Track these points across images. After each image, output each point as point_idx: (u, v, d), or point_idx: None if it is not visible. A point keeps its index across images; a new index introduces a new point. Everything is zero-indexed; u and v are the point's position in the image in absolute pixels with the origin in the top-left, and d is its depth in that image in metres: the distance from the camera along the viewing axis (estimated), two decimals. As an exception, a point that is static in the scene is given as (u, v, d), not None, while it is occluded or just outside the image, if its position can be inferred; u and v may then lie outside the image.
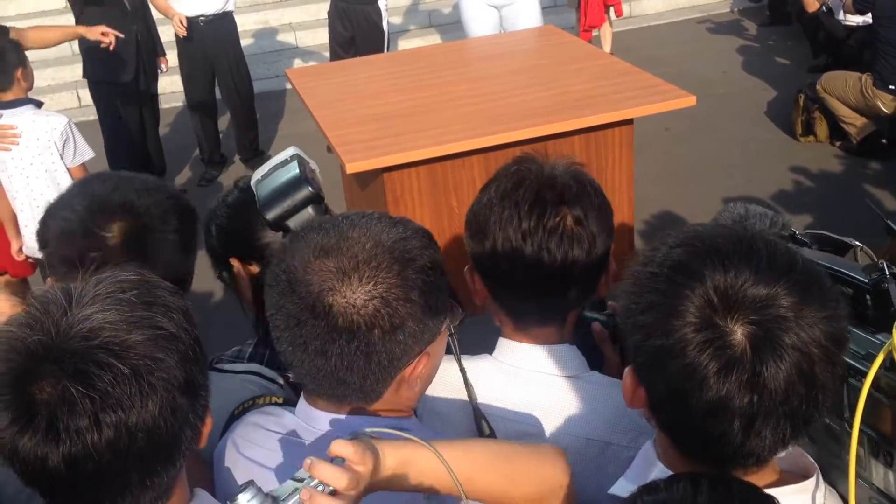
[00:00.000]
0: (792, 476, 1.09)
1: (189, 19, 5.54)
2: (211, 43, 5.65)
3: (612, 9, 7.14)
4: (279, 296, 1.12)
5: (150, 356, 0.96)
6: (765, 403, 0.94)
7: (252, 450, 1.24)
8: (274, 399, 1.46)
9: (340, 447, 0.98)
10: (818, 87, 5.69)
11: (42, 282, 4.01)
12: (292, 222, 1.28)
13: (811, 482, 1.07)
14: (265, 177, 1.33)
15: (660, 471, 1.07)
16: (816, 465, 1.10)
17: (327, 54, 6.99)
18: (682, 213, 5.03)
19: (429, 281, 1.13)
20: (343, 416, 1.19)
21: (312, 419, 1.21)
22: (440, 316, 1.16)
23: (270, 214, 1.29)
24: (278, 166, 1.31)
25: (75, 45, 7.68)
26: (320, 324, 1.09)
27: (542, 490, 1.12)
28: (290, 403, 1.40)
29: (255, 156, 6.18)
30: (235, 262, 1.66)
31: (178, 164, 6.24)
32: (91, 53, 5.30)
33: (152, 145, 5.72)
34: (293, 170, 1.29)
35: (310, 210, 1.27)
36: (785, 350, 0.94)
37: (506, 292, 1.44)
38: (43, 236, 1.44)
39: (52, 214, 1.44)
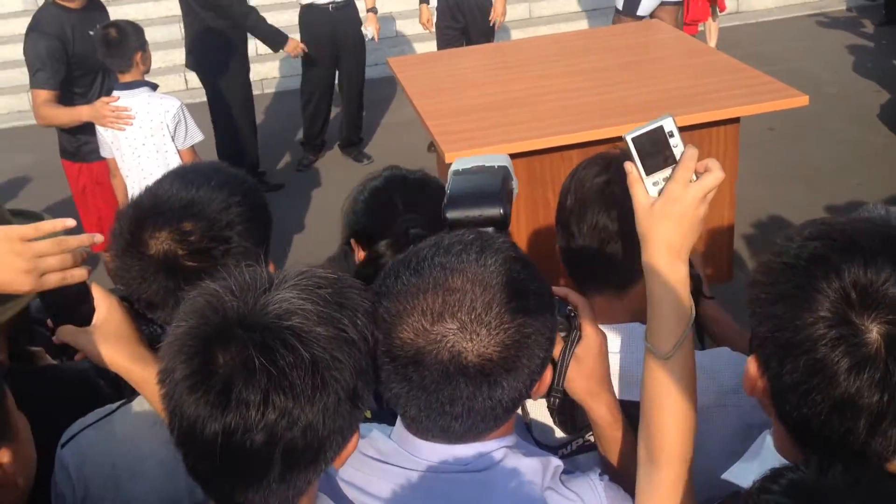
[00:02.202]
0: None
1: (319, 6, 5.70)
2: (340, 28, 5.78)
3: (716, 4, 6.95)
4: (399, 369, 1.06)
5: (330, 353, 0.97)
6: (895, 404, 0.93)
7: (349, 472, 1.19)
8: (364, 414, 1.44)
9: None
10: (937, 89, 5.42)
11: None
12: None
13: None
14: (466, 172, 1.26)
15: (775, 460, 1.06)
16: None
17: (427, 43, 7.03)
18: (785, 215, 4.87)
19: (542, 299, 1.10)
20: (449, 446, 1.13)
21: (413, 447, 1.15)
22: (554, 320, 1.14)
23: (452, 214, 1.22)
24: (484, 169, 1.24)
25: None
26: (460, 386, 1.04)
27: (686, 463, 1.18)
28: (377, 416, 1.38)
29: (356, 142, 6.28)
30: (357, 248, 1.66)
31: (271, 150, 6.37)
32: (201, 41, 5.44)
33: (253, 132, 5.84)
34: (495, 182, 1.23)
35: (490, 230, 1.19)
36: None
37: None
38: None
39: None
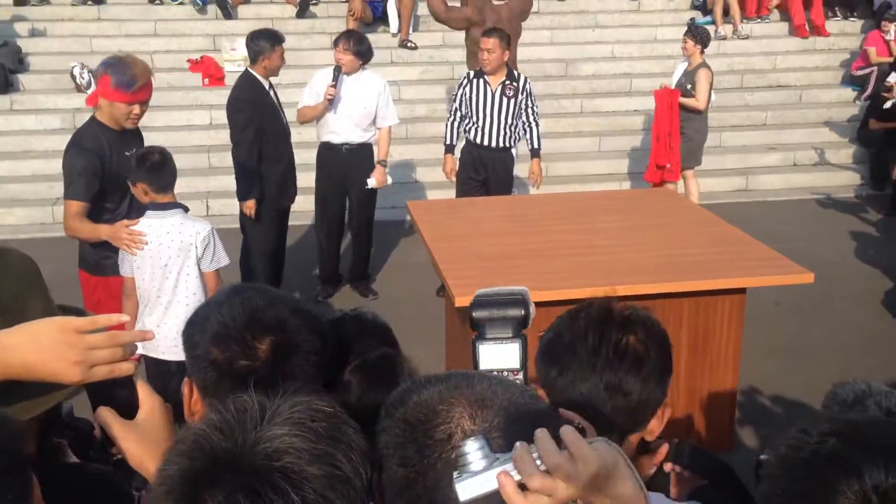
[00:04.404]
0: None
1: (335, 146, 5.99)
2: (350, 169, 6.04)
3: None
4: (408, 431, 1.03)
5: (322, 494, 0.95)
6: None
7: None
8: None
9: (570, 434, 0.91)
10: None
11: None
12: (491, 330, 1.29)
13: None
14: (491, 289, 1.36)
15: None
16: None
17: (445, 191, 7.26)
18: (787, 390, 4.87)
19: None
20: None
21: None
22: None
23: (477, 314, 1.30)
24: (506, 290, 1.35)
25: (213, 158, 8.29)
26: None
27: None
28: None
29: (363, 278, 6.39)
30: None
31: (285, 283, 6.45)
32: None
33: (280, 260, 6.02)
34: (517, 292, 1.32)
35: (510, 330, 1.28)
36: None
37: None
38: (191, 337, 1.45)
39: (206, 317, 1.45)
